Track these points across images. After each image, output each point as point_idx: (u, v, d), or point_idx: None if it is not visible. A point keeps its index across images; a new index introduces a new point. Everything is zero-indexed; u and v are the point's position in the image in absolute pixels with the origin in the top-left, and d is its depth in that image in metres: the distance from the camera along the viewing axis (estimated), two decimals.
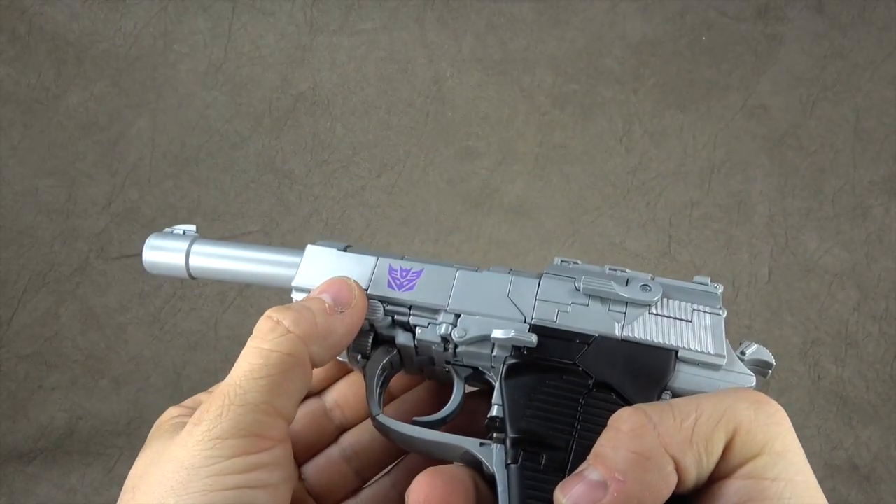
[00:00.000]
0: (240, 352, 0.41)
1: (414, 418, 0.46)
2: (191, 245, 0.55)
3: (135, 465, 0.41)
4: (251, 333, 0.42)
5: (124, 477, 0.40)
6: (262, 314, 0.43)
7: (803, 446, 0.35)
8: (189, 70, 1.31)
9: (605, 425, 0.37)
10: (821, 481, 0.34)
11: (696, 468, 0.35)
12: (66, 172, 1.28)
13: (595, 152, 1.32)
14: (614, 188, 1.31)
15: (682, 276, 0.48)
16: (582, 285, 0.46)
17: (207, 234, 0.57)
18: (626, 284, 0.46)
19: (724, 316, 0.45)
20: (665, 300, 0.46)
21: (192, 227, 0.58)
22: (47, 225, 1.26)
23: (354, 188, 1.31)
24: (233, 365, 0.41)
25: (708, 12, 1.33)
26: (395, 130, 1.32)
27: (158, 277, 1.26)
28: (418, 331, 0.48)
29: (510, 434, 0.41)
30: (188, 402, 0.47)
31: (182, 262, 0.55)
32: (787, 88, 1.33)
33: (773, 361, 0.44)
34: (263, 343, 0.41)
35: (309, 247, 0.52)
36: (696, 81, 1.33)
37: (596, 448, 0.36)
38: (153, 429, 0.44)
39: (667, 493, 0.34)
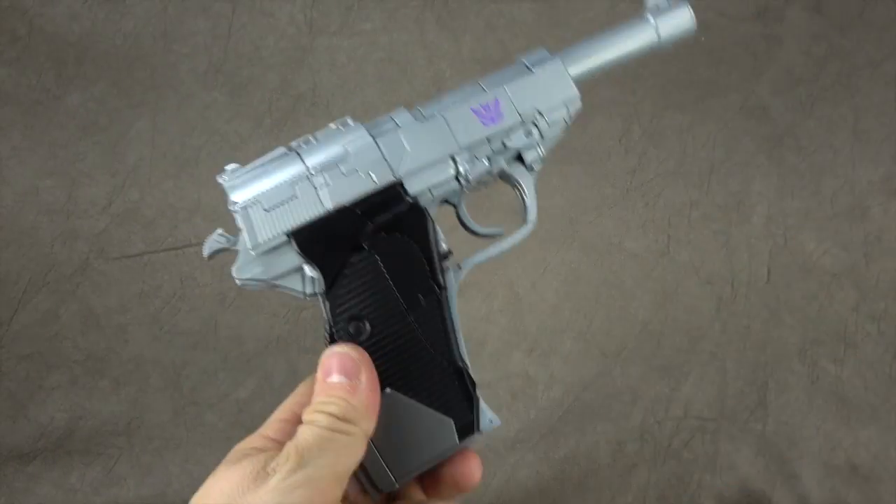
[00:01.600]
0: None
1: None
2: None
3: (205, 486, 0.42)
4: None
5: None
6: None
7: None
8: (189, 70, 1.31)
9: None
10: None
11: None
12: (67, 173, 1.28)
13: (594, 152, 1.32)
14: (613, 188, 1.31)
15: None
16: None
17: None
18: None
19: None
20: None
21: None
22: (47, 225, 1.27)
23: None
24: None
25: (707, 13, 1.33)
26: None
27: (158, 277, 1.26)
28: None
29: None
30: (266, 430, 0.49)
31: None
32: (786, 89, 1.33)
33: None
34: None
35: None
36: (696, 82, 1.33)
37: None
38: (230, 454, 0.45)
39: None
